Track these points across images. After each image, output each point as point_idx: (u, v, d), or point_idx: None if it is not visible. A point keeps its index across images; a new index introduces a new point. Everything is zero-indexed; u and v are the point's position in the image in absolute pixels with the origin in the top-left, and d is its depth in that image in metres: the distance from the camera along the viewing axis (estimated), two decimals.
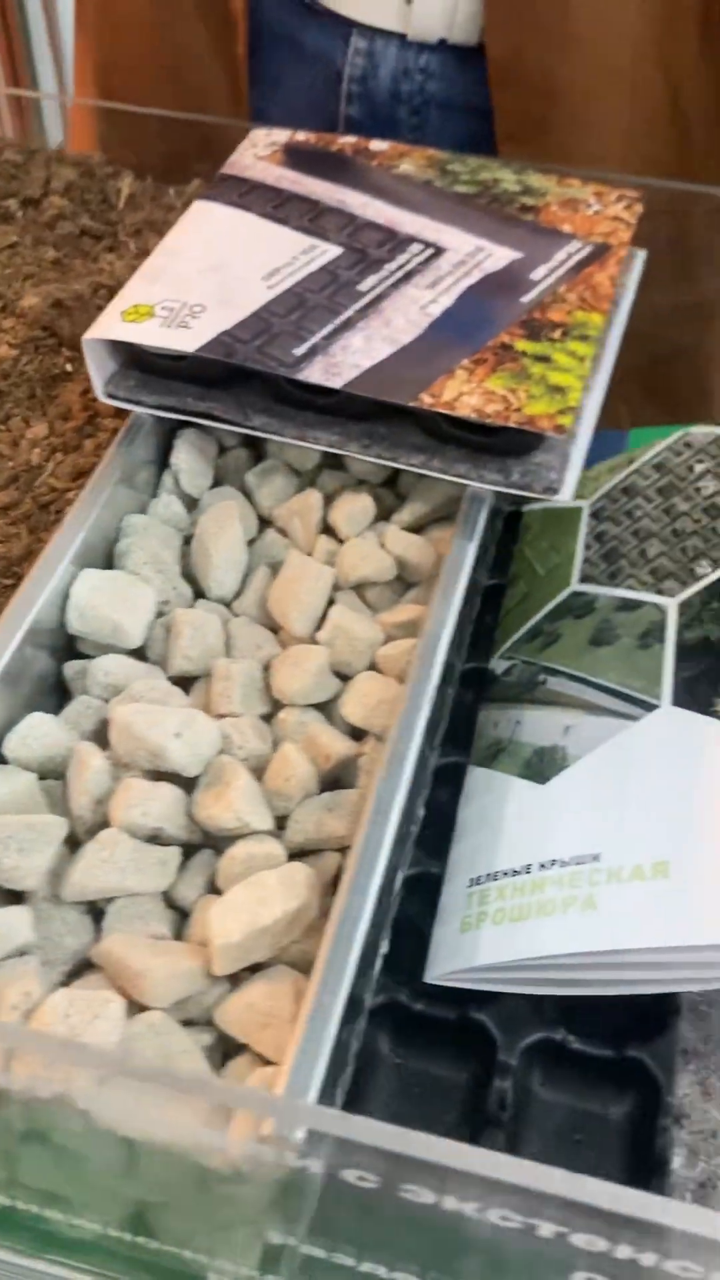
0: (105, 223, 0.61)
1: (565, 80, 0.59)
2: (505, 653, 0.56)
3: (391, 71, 0.64)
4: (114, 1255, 0.40)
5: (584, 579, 0.56)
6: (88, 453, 0.48)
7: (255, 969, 0.34)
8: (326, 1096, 0.35)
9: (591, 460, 0.63)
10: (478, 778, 0.51)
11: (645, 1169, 0.42)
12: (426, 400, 0.42)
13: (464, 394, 0.42)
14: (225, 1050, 0.34)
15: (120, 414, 0.49)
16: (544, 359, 0.44)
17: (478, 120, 0.64)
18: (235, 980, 0.34)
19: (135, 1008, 0.33)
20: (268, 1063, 0.32)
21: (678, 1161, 0.44)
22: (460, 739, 0.54)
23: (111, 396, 0.47)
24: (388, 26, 0.63)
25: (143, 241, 0.60)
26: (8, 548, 0.44)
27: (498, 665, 0.56)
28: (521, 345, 0.45)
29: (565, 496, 0.43)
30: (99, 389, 0.47)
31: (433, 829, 0.50)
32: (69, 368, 0.52)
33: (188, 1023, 0.34)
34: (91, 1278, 0.43)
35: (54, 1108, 0.30)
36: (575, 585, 0.56)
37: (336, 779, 0.40)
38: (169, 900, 0.37)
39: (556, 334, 0.45)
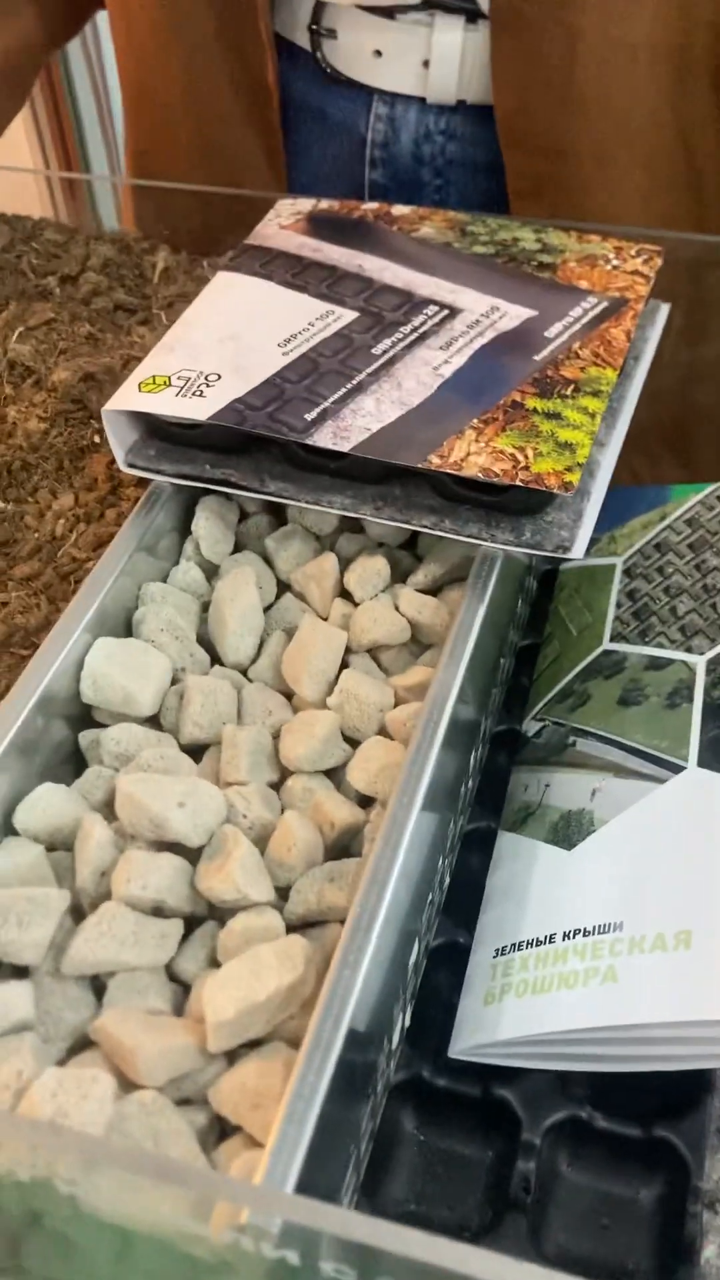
0: (140, 296, 0.63)
1: (574, 139, 0.59)
2: (538, 714, 0.55)
3: (413, 135, 0.65)
4: None
5: (615, 637, 0.55)
6: (109, 522, 0.48)
7: (253, 1045, 0.34)
8: (326, 1178, 0.34)
9: (631, 516, 0.62)
10: (506, 843, 0.50)
11: (674, 1255, 0.40)
12: (435, 461, 0.42)
13: (472, 453, 0.42)
14: (222, 1130, 0.33)
15: (143, 484, 0.49)
16: (554, 416, 0.44)
17: (500, 178, 0.65)
18: (232, 1057, 0.34)
19: (129, 1086, 0.33)
20: (259, 1145, 0.31)
21: (712, 1251, 0.42)
22: (492, 803, 0.53)
23: (132, 466, 0.48)
24: (407, 91, 0.64)
25: (175, 314, 0.61)
26: (26, 619, 0.45)
27: (530, 726, 0.55)
28: (532, 403, 0.44)
29: (577, 553, 0.42)
30: (120, 459, 0.48)
31: (462, 896, 0.49)
32: (96, 439, 0.53)
33: (184, 1101, 0.33)
34: None
35: (42, 1191, 0.29)
36: (606, 644, 0.55)
37: (345, 847, 0.39)
38: (172, 974, 0.36)
39: (568, 390, 0.45)
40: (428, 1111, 0.45)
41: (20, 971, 0.36)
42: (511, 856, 0.49)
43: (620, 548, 0.61)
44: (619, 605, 0.56)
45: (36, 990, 0.35)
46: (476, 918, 0.49)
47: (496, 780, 0.54)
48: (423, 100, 0.64)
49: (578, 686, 0.54)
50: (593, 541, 0.66)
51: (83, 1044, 0.35)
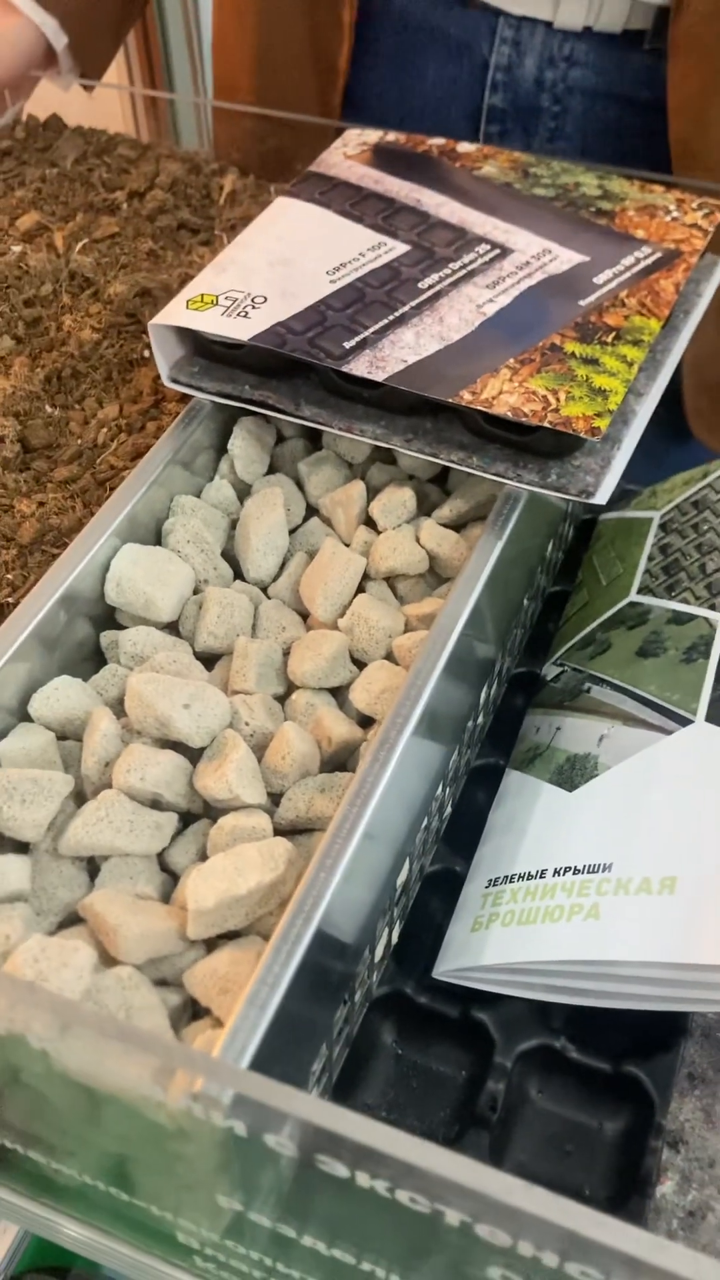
0: (204, 217, 0.63)
1: None
2: (558, 659, 0.56)
3: (537, 59, 0.65)
4: (96, 1206, 0.42)
5: (642, 590, 0.55)
6: (149, 434, 0.49)
7: (231, 938, 0.35)
8: (290, 1070, 0.36)
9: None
10: (512, 781, 0.51)
11: (629, 1188, 0.41)
12: (466, 397, 0.43)
13: (504, 392, 0.43)
14: (194, 1013, 0.35)
15: (185, 400, 0.50)
16: (591, 361, 0.44)
17: (618, 107, 0.64)
18: (210, 947, 0.35)
19: (111, 963, 0.34)
20: (224, 1026, 0.33)
21: (670, 1187, 0.43)
22: (505, 741, 0.54)
23: (175, 381, 0.49)
24: (535, 14, 0.64)
25: (236, 236, 0.61)
26: (61, 520, 0.46)
27: (549, 671, 0.56)
28: (571, 347, 0.44)
29: (600, 499, 0.42)
30: (164, 374, 0.49)
31: (464, 828, 0.51)
32: (146, 354, 0.54)
33: (161, 982, 0.35)
34: (79, 1225, 0.44)
35: (18, 1048, 0.31)
36: (633, 596, 0.55)
37: (342, 764, 0.41)
38: (163, 864, 0.38)
39: (609, 338, 0.45)
40: (408, 1027, 0.46)
41: (20, 848, 0.38)
42: (515, 794, 0.50)
43: (660, 502, 0.61)
44: (651, 559, 0.56)
45: (34, 866, 0.37)
46: (475, 849, 0.50)
47: (512, 720, 0.55)
48: (549, 24, 0.64)
49: (600, 635, 0.55)
50: (634, 494, 0.66)
51: (73, 921, 0.37)
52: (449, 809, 0.50)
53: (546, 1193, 0.25)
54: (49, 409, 0.51)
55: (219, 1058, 0.29)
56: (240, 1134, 0.28)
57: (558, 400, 0.42)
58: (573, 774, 0.48)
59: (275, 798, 0.39)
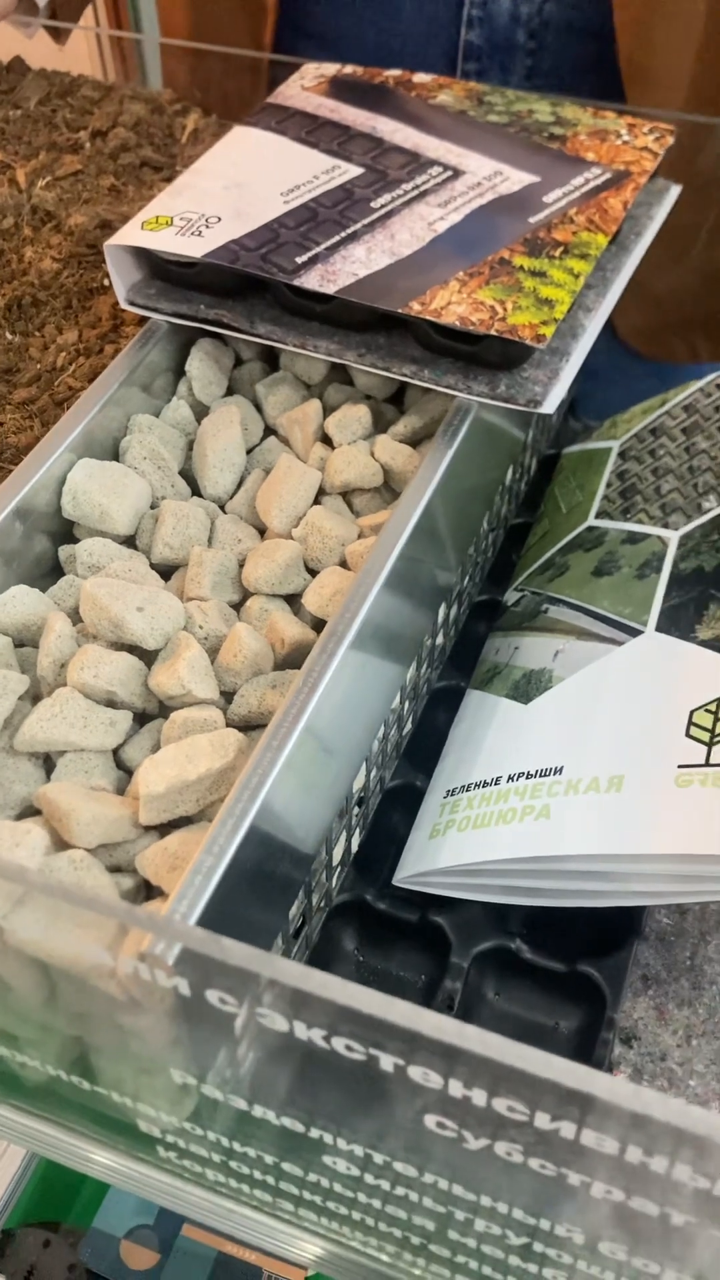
0: (167, 155, 0.64)
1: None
2: (519, 585, 0.57)
3: None
4: (63, 1101, 0.43)
5: (600, 514, 0.56)
6: (107, 357, 0.50)
7: (184, 825, 0.36)
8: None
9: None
10: (472, 700, 0.52)
11: None
12: (414, 308, 0.43)
13: (452, 303, 0.43)
14: (148, 897, 0.36)
15: (144, 323, 0.51)
16: (539, 274, 0.44)
17: (595, 42, 0.64)
18: (163, 834, 0.36)
19: (65, 849, 0.35)
20: None
21: (621, 1079, 0.44)
22: (467, 666, 0.55)
23: (132, 304, 0.49)
24: None
25: None
26: (19, 438, 0.47)
27: (510, 597, 0.57)
28: (519, 260, 0.45)
29: (548, 409, 0.43)
30: (121, 296, 0.49)
31: (425, 747, 0.52)
32: (106, 282, 0.54)
33: (115, 870, 0.36)
34: (47, 1124, 0.45)
35: None
36: (591, 520, 0.56)
37: (295, 666, 0.41)
38: (119, 762, 0.39)
39: (557, 252, 0.45)
40: (368, 933, 0.47)
41: None
42: (474, 711, 0.51)
43: (620, 432, 0.61)
44: (609, 485, 0.57)
45: None
46: (436, 765, 0.51)
47: (475, 647, 0.56)
48: None
49: (559, 559, 0.56)
50: (594, 427, 0.67)
51: (28, 815, 0.37)
52: (409, 725, 0.51)
53: (476, 1029, 0.26)
54: (8, 335, 0.51)
55: (165, 915, 0.30)
56: (184, 993, 0.29)
57: (505, 310, 0.43)
58: (528, 688, 0.49)
59: (229, 696, 0.40)
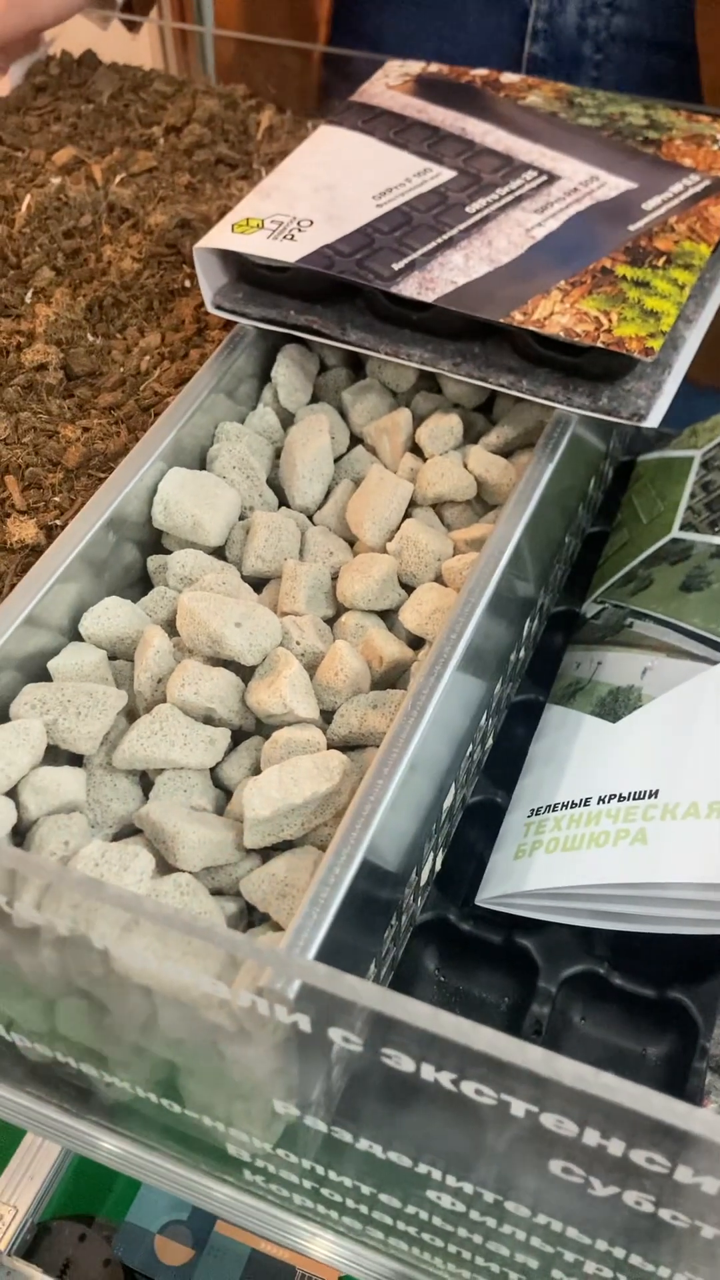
0: (242, 152, 0.63)
1: None
2: (598, 597, 0.56)
3: (579, 6, 0.64)
4: (148, 1121, 0.42)
5: (684, 526, 0.55)
6: (192, 361, 0.49)
7: (286, 848, 0.35)
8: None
9: None
10: (553, 715, 0.51)
11: None
12: (517, 318, 0.42)
13: (555, 313, 0.42)
14: (250, 922, 0.35)
15: (228, 329, 0.50)
16: (643, 284, 0.43)
17: (661, 55, 0.63)
18: (265, 858, 0.35)
19: (168, 872, 0.34)
20: (283, 931, 0.33)
21: (711, 1109, 0.43)
22: (544, 678, 0.54)
23: (219, 308, 0.48)
24: None
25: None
26: (106, 444, 0.46)
27: (589, 609, 0.56)
28: (622, 270, 0.44)
29: (652, 422, 0.42)
30: (208, 299, 0.48)
31: (504, 762, 0.51)
32: (187, 284, 0.53)
33: (217, 892, 0.35)
34: (128, 1143, 0.45)
35: (78, 948, 0.31)
36: (675, 533, 0.55)
37: (392, 684, 0.41)
38: (216, 780, 0.38)
39: (660, 261, 0.44)
40: (450, 954, 0.47)
41: (75, 760, 0.38)
42: (557, 727, 0.50)
43: (701, 441, 0.60)
44: (693, 496, 0.56)
45: (89, 779, 0.37)
46: (516, 782, 0.50)
47: (552, 659, 0.55)
48: None
49: (641, 572, 0.55)
50: (671, 436, 0.66)
51: (127, 834, 0.37)
52: (490, 740, 0.50)
53: (617, 1078, 0.25)
54: (91, 337, 0.51)
55: (284, 950, 0.30)
56: (304, 1029, 0.29)
57: (610, 321, 0.42)
58: (616, 706, 0.48)
59: (327, 715, 0.39)
